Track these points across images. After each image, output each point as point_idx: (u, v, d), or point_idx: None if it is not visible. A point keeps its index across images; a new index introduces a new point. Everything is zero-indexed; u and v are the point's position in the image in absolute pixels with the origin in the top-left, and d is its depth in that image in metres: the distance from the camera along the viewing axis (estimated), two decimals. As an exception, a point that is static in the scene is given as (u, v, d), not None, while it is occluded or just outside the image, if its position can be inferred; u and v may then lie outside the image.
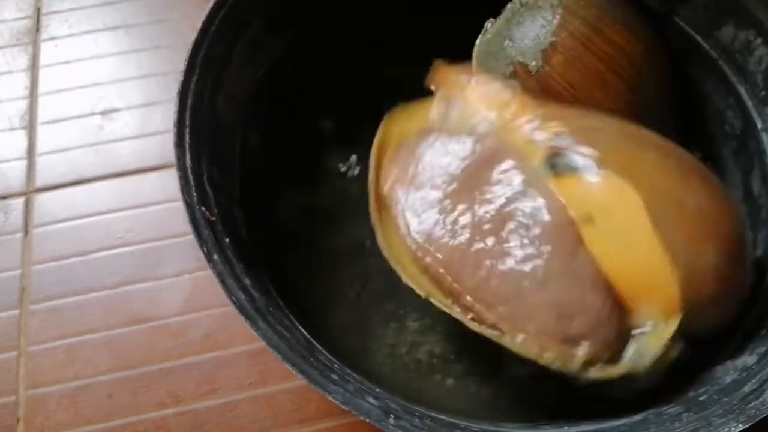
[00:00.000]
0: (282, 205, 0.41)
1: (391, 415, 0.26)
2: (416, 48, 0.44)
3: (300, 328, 0.32)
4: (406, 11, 0.44)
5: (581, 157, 0.32)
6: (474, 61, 0.40)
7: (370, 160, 0.36)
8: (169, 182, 0.46)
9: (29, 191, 0.46)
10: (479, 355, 0.35)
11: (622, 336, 0.30)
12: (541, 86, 0.37)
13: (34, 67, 0.51)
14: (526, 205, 0.31)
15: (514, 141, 0.34)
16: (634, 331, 0.30)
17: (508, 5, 0.39)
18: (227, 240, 0.32)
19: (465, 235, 0.32)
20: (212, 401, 0.39)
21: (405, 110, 0.39)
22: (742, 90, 0.38)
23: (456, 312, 0.31)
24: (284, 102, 0.41)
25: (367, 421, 0.26)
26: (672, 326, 0.29)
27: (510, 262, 0.31)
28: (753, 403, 0.26)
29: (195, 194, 0.32)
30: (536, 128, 0.34)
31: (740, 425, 0.25)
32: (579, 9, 0.37)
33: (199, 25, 0.35)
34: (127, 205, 0.45)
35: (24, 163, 0.47)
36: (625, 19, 0.38)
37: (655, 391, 0.32)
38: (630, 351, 0.30)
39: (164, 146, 0.47)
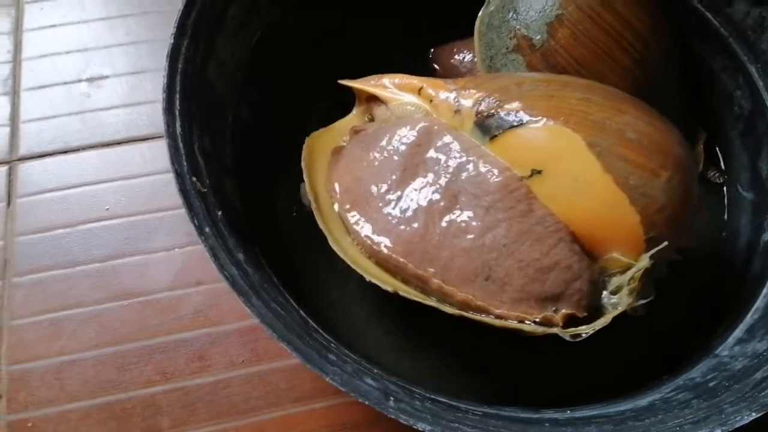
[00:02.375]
0: (274, 178, 0.39)
1: (391, 398, 0.25)
2: (415, 22, 0.43)
3: (294, 305, 0.31)
4: None
5: (509, 112, 0.31)
6: (476, 34, 0.39)
7: (304, 175, 0.35)
8: (159, 153, 0.45)
9: (12, 160, 0.44)
10: (475, 337, 0.34)
11: (596, 283, 0.30)
12: (545, 61, 0.36)
13: (17, 31, 0.49)
14: (471, 175, 0.31)
15: (441, 116, 0.33)
16: (606, 276, 0.30)
17: None
18: (219, 213, 0.31)
19: (419, 221, 0.31)
20: (203, 379, 0.38)
21: (327, 129, 0.38)
22: (752, 69, 0.37)
23: (430, 300, 0.31)
24: (279, 72, 0.40)
25: (366, 403, 0.25)
26: (642, 262, 0.29)
27: (470, 237, 0.30)
28: (766, 391, 0.25)
29: (185, 163, 0.30)
30: (458, 99, 0.33)
31: (753, 414, 0.24)
32: None
33: None
34: (116, 175, 0.44)
35: (7, 130, 0.45)
36: None
37: (659, 374, 0.31)
38: (607, 297, 0.30)
39: (154, 115, 0.46)
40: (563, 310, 0.29)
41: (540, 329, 0.29)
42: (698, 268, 0.36)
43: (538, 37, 0.36)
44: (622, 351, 0.34)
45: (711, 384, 0.28)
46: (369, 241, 0.32)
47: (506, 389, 0.34)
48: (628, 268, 0.29)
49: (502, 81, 0.34)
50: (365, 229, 0.32)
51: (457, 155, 0.32)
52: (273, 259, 0.33)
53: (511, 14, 0.37)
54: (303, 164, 0.35)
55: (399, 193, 0.32)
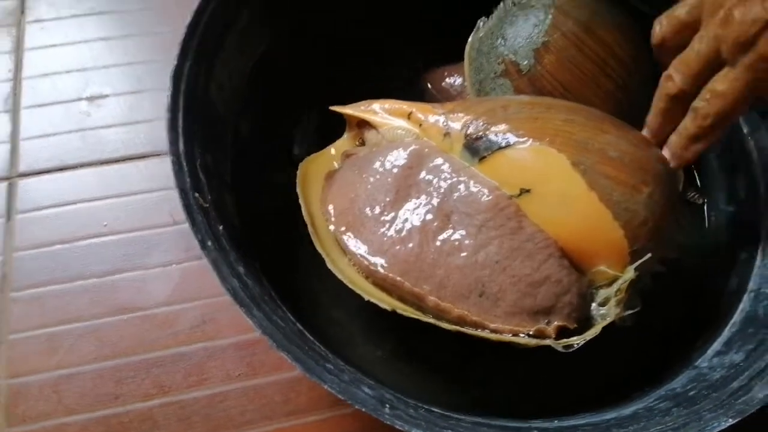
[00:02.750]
0: (270, 193, 0.40)
1: (387, 405, 0.26)
2: (406, 48, 0.44)
3: (291, 318, 0.32)
4: (396, 8, 0.44)
5: (496, 134, 0.33)
6: (466, 59, 0.40)
7: (300, 198, 0.36)
8: (156, 170, 0.46)
9: (12, 176, 0.45)
10: (467, 350, 0.35)
11: (585, 296, 0.31)
12: (532, 85, 0.38)
13: (18, 50, 0.50)
14: (462, 195, 0.32)
15: (431, 140, 0.35)
16: (594, 288, 0.31)
17: (501, 4, 0.39)
18: (221, 227, 0.32)
19: (414, 240, 0.32)
20: (199, 392, 0.38)
21: (319, 153, 0.39)
22: None
23: (427, 317, 0.32)
24: (274, 94, 0.41)
25: (363, 410, 0.26)
26: (627, 274, 0.30)
27: (463, 255, 0.31)
28: (742, 399, 0.27)
29: (188, 180, 0.31)
30: (447, 122, 0.35)
31: (730, 420, 0.26)
32: (571, 9, 0.37)
33: (191, 13, 0.35)
34: (114, 192, 0.45)
35: (7, 147, 0.46)
36: (615, 20, 0.38)
37: (642, 385, 0.32)
38: (595, 309, 0.31)
39: (152, 134, 0.47)
40: (555, 323, 0.30)
41: (533, 341, 0.30)
42: (680, 283, 0.37)
43: (525, 62, 0.37)
44: (606, 364, 0.35)
45: (690, 393, 0.30)
46: (365, 262, 0.33)
47: (497, 401, 0.35)
48: (615, 280, 0.31)
49: (488, 104, 0.35)
50: (361, 250, 0.33)
51: (448, 176, 0.33)
52: (270, 274, 0.34)
53: (499, 41, 0.38)
54: (298, 189, 0.36)
55: (393, 214, 0.34)
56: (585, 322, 0.31)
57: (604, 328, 0.30)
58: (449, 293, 0.31)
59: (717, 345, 0.33)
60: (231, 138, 0.38)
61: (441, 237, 0.32)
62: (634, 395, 0.32)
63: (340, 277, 0.33)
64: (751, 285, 0.35)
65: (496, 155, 0.32)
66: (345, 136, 0.40)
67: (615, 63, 0.38)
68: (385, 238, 0.33)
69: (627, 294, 0.31)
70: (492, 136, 0.33)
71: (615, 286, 0.31)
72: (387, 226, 0.33)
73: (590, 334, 0.30)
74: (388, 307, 0.32)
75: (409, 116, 0.36)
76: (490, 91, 0.39)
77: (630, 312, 0.31)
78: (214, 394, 0.38)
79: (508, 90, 0.38)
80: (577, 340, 0.30)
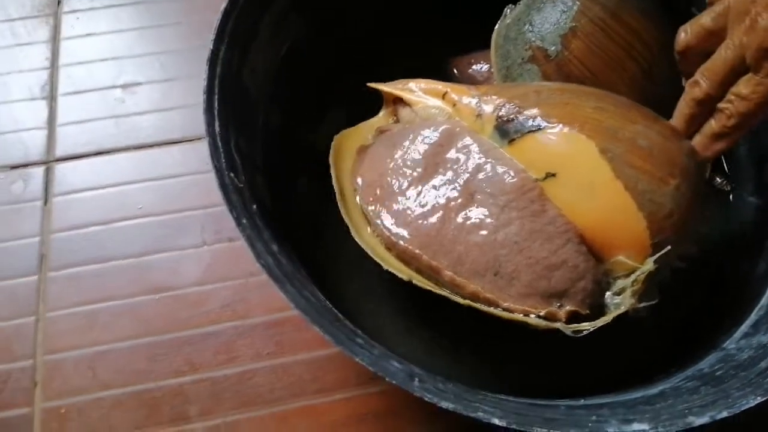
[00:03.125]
0: (300, 179, 0.41)
1: (416, 378, 0.27)
2: (436, 38, 0.45)
3: (321, 295, 0.33)
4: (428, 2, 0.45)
5: (528, 118, 0.33)
6: (492, 45, 0.41)
7: (331, 169, 0.36)
8: (189, 155, 0.47)
9: (49, 160, 0.47)
10: (491, 335, 0.36)
11: (600, 283, 0.31)
12: (559, 70, 0.38)
13: (55, 39, 0.52)
14: (488, 175, 0.33)
15: (463, 120, 0.35)
16: (612, 277, 0.31)
17: None
18: (254, 207, 0.32)
19: (437, 215, 0.33)
20: (229, 370, 0.39)
21: (354, 128, 0.40)
22: None
23: (442, 291, 0.32)
24: (306, 78, 0.42)
25: (393, 382, 0.27)
26: (646, 266, 0.30)
27: (483, 233, 0.32)
28: None
29: (224, 160, 0.32)
30: (480, 104, 0.35)
31: (759, 398, 0.26)
32: None
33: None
34: (148, 176, 0.46)
35: (44, 132, 0.48)
36: (641, 5, 0.38)
37: (668, 367, 0.32)
38: (610, 298, 0.31)
39: (184, 120, 0.48)
40: (567, 307, 0.31)
41: (544, 323, 0.30)
42: (706, 269, 0.38)
43: (553, 48, 0.38)
44: (633, 347, 0.35)
45: (718, 373, 0.30)
46: (388, 233, 0.34)
47: (522, 382, 0.35)
48: (633, 270, 0.31)
49: (521, 89, 0.36)
50: (385, 222, 0.34)
51: (477, 156, 0.33)
52: (299, 252, 0.35)
53: (527, 27, 0.39)
54: (330, 160, 0.37)
55: (419, 188, 0.34)
56: (598, 309, 0.31)
57: (620, 318, 0.30)
58: (466, 269, 0.32)
59: (744, 327, 0.33)
60: (262, 121, 0.39)
61: (463, 214, 0.33)
62: (661, 376, 0.32)
63: (362, 246, 0.33)
64: None
65: (526, 138, 0.33)
66: (381, 113, 0.40)
67: (641, 47, 0.38)
68: (409, 212, 0.34)
69: (644, 286, 0.31)
70: (523, 119, 0.33)
71: (632, 277, 0.30)
72: (412, 200, 0.34)
73: (600, 322, 0.30)
74: (405, 277, 0.32)
75: (443, 96, 0.37)
76: (518, 77, 0.39)
77: (646, 304, 0.31)
78: (244, 371, 0.39)
79: (536, 75, 0.39)
80: (587, 326, 0.30)
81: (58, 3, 0.53)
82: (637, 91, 0.37)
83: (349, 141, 0.38)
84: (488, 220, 0.32)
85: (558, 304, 0.31)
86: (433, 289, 0.32)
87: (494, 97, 0.35)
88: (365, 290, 0.39)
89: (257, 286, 0.41)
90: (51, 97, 0.49)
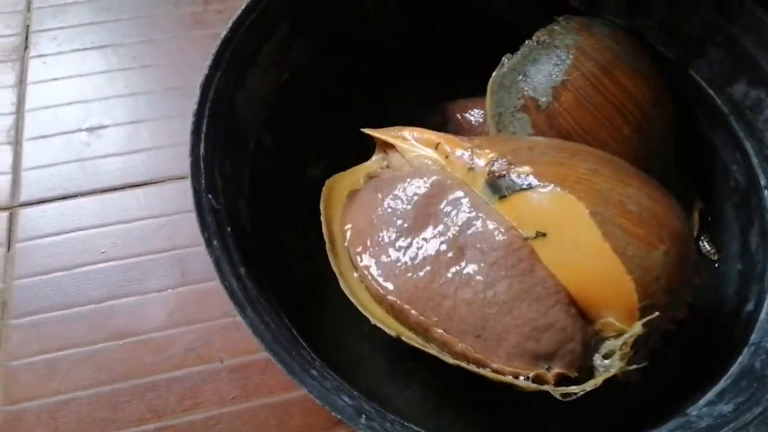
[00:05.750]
0: (289, 208, 0.41)
1: (363, 416, 0.27)
2: (437, 78, 0.46)
3: (288, 324, 0.32)
4: (431, 45, 0.45)
5: (520, 175, 0.33)
6: (488, 92, 0.41)
7: (321, 216, 0.36)
8: (154, 198, 0.47)
9: (13, 206, 0.46)
10: (460, 380, 0.36)
11: (589, 346, 0.31)
12: (549, 122, 0.38)
13: (21, 83, 0.52)
14: (478, 230, 0.32)
15: (455, 173, 0.35)
16: (600, 339, 0.31)
17: (526, 42, 0.40)
18: (229, 229, 0.32)
19: (425, 269, 0.33)
20: (194, 416, 0.39)
21: (346, 172, 0.39)
22: (749, 146, 0.39)
23: (431, 348, 0.32)
24: (303, 110, 0.42)
25: (339, 418, 0.26)
26: (634, 329, 0.30)
27: (472, 290, 0.31)
28: None
29: (204, 182, 0.32)
30: (472, 157, 0.35)
31: None
32: (593, 52, 0.38)
33: (229, 24, 0.36)
34: (112, 220, 0.45)
35: (9, 178, 0.47)
36: (636, 65, 0.39)
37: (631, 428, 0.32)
38: (599, 360, 0.31)
39: (150, 162, 0.48)
40: (555, 369, 0.30)
41: (533, 386, 0.30)
42: (684, 335, 0.37)
43: (544, 99, 0.38)
44: (602, 405, 0.35)
45: None
46: (376, 285, 0.33)
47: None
48: (623, 332, 0.30)
49: (515, 143, 0.36)
50: (373, 273, 0.34)
51: (467, 210, 0.33)
52: (276, 282, 0.35)
53: (521, 77, 0.39)
54: (321, 206, 0.37)
55: (408, 240, 0.34)
56: (587, 371, 0.31)
57: (607, 380, 0.30)
58: (454, 326, 0.31)
59: (710, 395, 0.32)
60: (254, 147, 0.39)
61: (453, 269, 0.32)
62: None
63: (350, 297, 0.33)
64: (753, 338, 0.35)
65: (517, 195, 0.32)
66: (373, 158, 0.40)
67: (633, 107, 0.38)
68: (398, 264, 0.33)
69: (633, 349, 0.30)
70: (514, 176, 0.33)
71: (621, 340, 0.30)
72: (401, 251, 0.34)
73: (590, 385, 0.30)
74: (393, 333, 0.32)
75: (436, 147, 0.37)
76: (509, 125, 0.40)
77: (635, 367, 0.30)
78: (208, 417, 0.39)
79: (526, 124, 0.39)
80: (576, 390, 0.29)
81: (25, 48, 0.54)
82: (629, 147, 0.38)
83: (341, 185, 0.38)
84: (478, 277, 0.32)
85: (546, 366, 0.30)
86: (421, 347, 0.32)
87: (487, 150, 0.35)
88: (346, 330, 0.38)
89: (222, 329, 0.41)
90: (16, 141, 0.49)
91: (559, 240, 0.31)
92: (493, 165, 0.34)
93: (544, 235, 0.31)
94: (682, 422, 0.31)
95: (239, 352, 0.40)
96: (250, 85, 0.38)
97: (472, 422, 0.37)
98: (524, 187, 0.32)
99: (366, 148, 0.40)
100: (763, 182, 0.39)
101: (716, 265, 0.41)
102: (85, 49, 0.54)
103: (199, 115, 0.34)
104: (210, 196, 0.32)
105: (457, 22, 0.46)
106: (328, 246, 0.35)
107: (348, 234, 0.36)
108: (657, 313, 0.30)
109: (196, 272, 0.43)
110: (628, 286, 0.30)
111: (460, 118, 0.45)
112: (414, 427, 0.29)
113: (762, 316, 0.35)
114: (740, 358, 0.34)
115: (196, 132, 0.33)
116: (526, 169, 0.33)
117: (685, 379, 0.36)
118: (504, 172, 0.33)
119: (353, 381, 0.31)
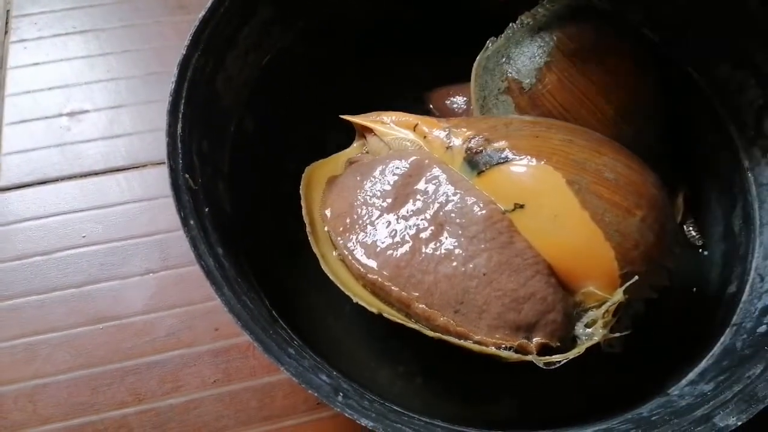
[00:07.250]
0: (268, 190, 0.40)
1: (341, 393, 0.26)
2: (415, 65, 0.45)
3: (267, 303, 0.32)
4: (410, 27, 0.45)
5: (496, 150, 0.33)
6: (472, 75, 0.41)
7: (302, 201, 0.36)
8: (135, 183, 0.46)
9: (-8, 190, 0.46)
10: (441, 359, 0.35)
11: (570, 315, 0.31)
12: (533, 103, 0.38)
13: (1, 68, 0.51)
14: (457, 206, 0.33)
15: (433, 152, 0.35)
16: (582, 309, 0.31)
17: (510, 24, 0.40)
18: (207, 209, 0.32)
19: (406, 246, 0.33)
20: (175, 399, 0.38)
21: (326, 160, 0.39)
22: (732, 128, 0.40)
23: (412, 323, 0.32)
24: (284, 94, 0.41)
25: (316, 395, 0.26)
26: (615, 296, 0.30)
27: (453, 264, 0.32)
28: (701, 427, 0.27)
29: (181, 161, 0.32)
30: (450, 136, 0.35)
31: None
32: (576, 33, 0.38)
33: (208, 3, 0.35)
34: (93, 205, 0.45)
35: (-12, 163, 0.47)
36: (620, 47, 0.39)
37: (614, 407, 0.32)
38: (581, 329, 0.31)
39: (131, 147, 0.48)
40: (537, 339, 0.30)
41: (515, 356, 0.30)
42: (670, 312, 0.38)
43: (527, 81, 0.38)
44: (587, 383, 0.35)
45: (654, 418, 0.29)
46: (357, 264, 0.33)
47: (466, 413, 0.35)
48: (604, 301, 0.30)
49: (491, 121, 0.36)
50: (354, 252, 0.34)
51: (446, 187, 0.33)
52: (254, 261, 0.34)
53: (504, 59, 0.39)
54: (302, 191, 0.37)
55: (388, 219, 0.34)
56: (570, 341, 0.31)
57: (589, 349, 0.30)
58: (436, 301, 0.32)
59: (692, 375, 0.33)
60: (234, 129, 0.38)
61: (433, 245, 0.32)
62: (604, 416, 0.32)
63: (332, 278, 0.33)
64: (735, 319, 0.35)
65: (494, 170, 0.33)
66: (354, 144, 0.40)
67: (616, 88, 0.38)
68: (379, 242, 0.33)
69: (615, 317, 0.30)
70: (491, 151, 0.33)
71: (603, 308, 0.30)
72: (382, 230, 0.34)
73: (572, 354, 0.30)
74: (375, 310, 0.32)
75: (414, 128, 0.37)
76: (493, 108, 0.40)
77: (618, 335, 0.31)
78: (190, 400, 0.38)
79: (510, 107, 0.39)
80: (558, 358, 0.30)
81: (5, 33, 0.53)
82: (612, 129, 0.38)
83: (321, 172, 0.38)
84: (457, 251, 0.32)
85: (528, 336, 0.31)
86: (403, 323, 0.32)
87: (464, 129, 0.35)
88: (326, 309, 0.38)
89: (203, 313, 0.41)
90: (-5, 127, 0.48)
91: (537, 211, 0.31)
92: (470, 142, 0.34)
93: (522, 206, 0.32)
94: (663, 402, 0.32)
95: (221, 336, 0.40)
96: (230, 67, 0.37)
97: (452, 401, 0.37)
98: (501, 161, 0.33)
99: (347, 134, 0.40)
100: (746, 164, 0.39)
101: (700, 249, 0.41)
102: (66, 34, 0.53)
103: (176, 94, 0.33)
104: (187, 175, 0.32)
105: (442, 10, 0.46)
106: (308, 230, 0.35)
107: (328, 216, 0.36)
108: (637, 278, 0.30)
109: (177, 256, 0.43)
110: (608, 254, 0.30)
111: (442, 105, 0.45)
112: (392, 406, 0.28)
113: (744, 297, 0.36)
114: (722, 339, 0.34)
115: (173, 111, 0.33)
116: (503, 143, 0.33)
117: (668, 360, 0.36)
118: (481, 149, 0.33)
119: (333, 361, 0.31)
